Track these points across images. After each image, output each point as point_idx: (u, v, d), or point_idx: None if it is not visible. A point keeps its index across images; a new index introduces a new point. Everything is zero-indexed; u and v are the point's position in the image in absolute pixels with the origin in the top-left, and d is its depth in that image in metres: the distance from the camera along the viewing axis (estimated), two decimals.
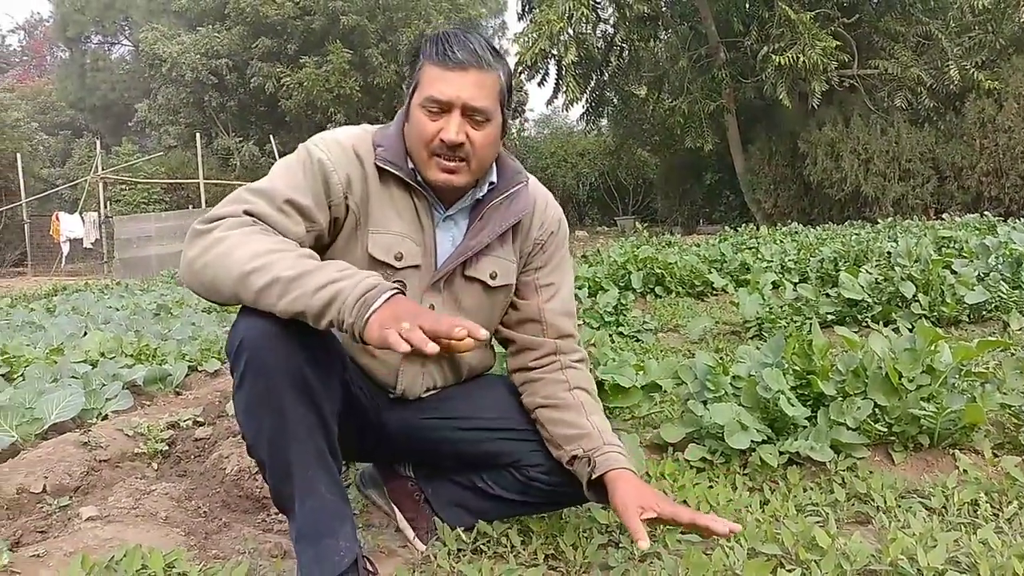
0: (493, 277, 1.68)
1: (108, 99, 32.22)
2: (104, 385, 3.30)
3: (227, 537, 1.98)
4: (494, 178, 1.67)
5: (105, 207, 20.06)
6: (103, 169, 20.45)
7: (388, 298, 1.27)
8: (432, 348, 1.19)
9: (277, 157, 21.71)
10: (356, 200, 1.55)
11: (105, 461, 2.54)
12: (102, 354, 4.05)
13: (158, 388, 3.60)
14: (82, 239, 19.15)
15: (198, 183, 20.20)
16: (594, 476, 1.58)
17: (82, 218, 19.24)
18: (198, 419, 3.00)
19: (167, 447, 2.71)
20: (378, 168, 1.57)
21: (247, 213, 1.42)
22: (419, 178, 1.59)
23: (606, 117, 23.89)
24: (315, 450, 1.44)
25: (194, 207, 20.74)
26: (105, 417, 3.04)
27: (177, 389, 3.64)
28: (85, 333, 4.96)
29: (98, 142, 21.54)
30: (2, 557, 1.68)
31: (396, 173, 1.57)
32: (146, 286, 10.69)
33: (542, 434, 1.72)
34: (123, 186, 23.17)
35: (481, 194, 1.66)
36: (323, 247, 1.58)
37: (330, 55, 23.97)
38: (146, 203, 23.43)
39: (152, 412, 3.15)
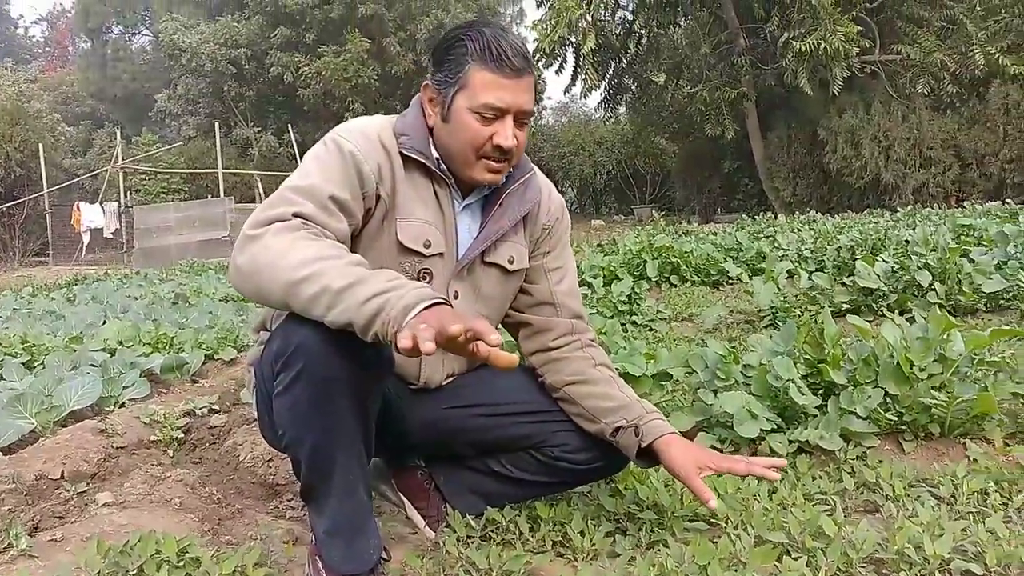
0: (511, 262, 1.71)
1: (129, 89, 32.46)
2: (122, 373, 3.35)
3: (240, 523, 2.01)
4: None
5: (125, 197, 20.27)
6: (123, 159, 20.62)
7: (428, 306, 1.25)
8: (430, 347, 1.16)
9: (295, 147, 21.97)
10: (387, 189, 1.56)
11: (122, 448, 2.58)
12: (120, 343, 4.11)
13: (175, 376, 3.65)
14: (102, 229, 19.37)
15: (217, 173, 20.33)
16: (643, 445, 1.65)
17: (102, 208, 19.45)
18: (213, 407, 3.04)
19: (183, 434, 2.74)
20: (402, 156, 1.58)
21: (295, 215, 1.43)
22: (443, 167, 1.61)
23: (624, 105, 23.80)
24: (357, 453, 1.49)
25: (213, 196, 20.88)
26: (122, 405, 3.08)
27: (194, 377, 3.69)
28: (104, 322, 5.03)
29: (119, 132, 21.70)
30: (21, 541, 1.72)
31: (422, 161, 1.59)
32: (165, 275, 10.80)
33: (572, 410, 1.76)
34: (143, 176, 23.37)
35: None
36: (353, 236, 1.59)
37: (348, 44, 24.02)
38: (165, 193, 23.63)
39: (168, 400, 3.19)
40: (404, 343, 1.19)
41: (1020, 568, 1.51)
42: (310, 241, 1.40)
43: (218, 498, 2.16)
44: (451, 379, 1.79)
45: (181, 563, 1.62)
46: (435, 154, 1.60)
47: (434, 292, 1.30)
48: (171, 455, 2.60)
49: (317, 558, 1.57)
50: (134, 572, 1.57)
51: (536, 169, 1.76)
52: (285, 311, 1.43)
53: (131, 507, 2.00)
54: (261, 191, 20.61)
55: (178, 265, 13.30)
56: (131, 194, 21.80)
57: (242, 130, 26.85)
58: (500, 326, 1.88)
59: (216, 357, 4.02)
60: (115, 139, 20.73)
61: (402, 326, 1.23)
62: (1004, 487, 1.90)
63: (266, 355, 1.52)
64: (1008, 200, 11.50)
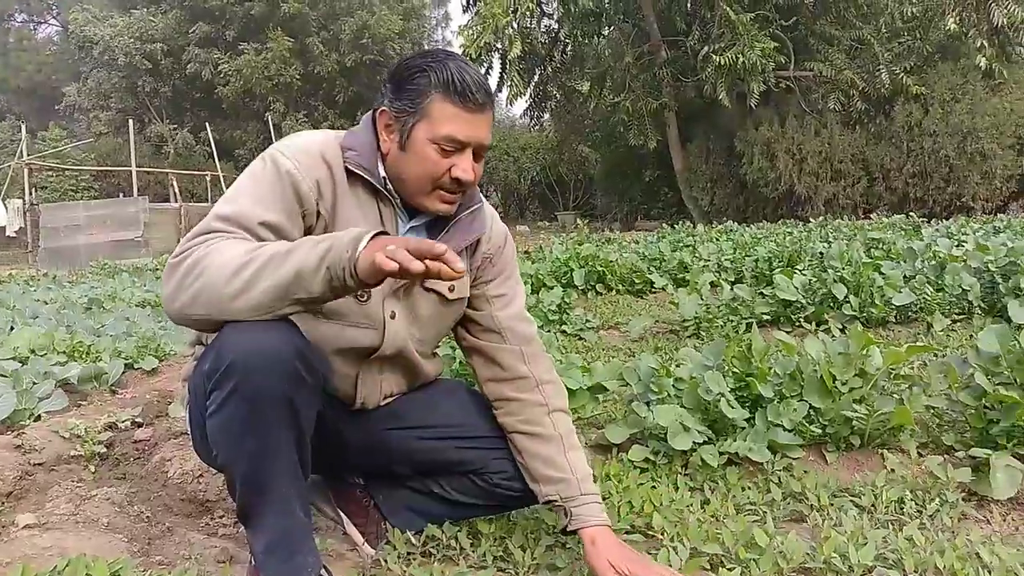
0: (451, 290, 1.70)
1: (34, 81, 31.04)
2: (35, 384, 3.20)
3: (171, 542, 1.96)
4: None
5: (30, 194, 19.32)
6: (28, 155, 19.68)
7: (375, 235, 1.31)
8: (417, 266, 1.22)
9: (213, 145, 21.38)
10: (326, 206, 1.54)
11: (39, 465, 2.47)
12: (32, 351, 3.92)
13: (93, 387, 3.50)
14: (5, 227, 18.42)
15: (130, 171, 19.59)
16: (568, 528, 1.66)
17: (5, 205, 18.50)
18: (137, 420, 2.94)
19: (105, 449, 2.64)
20: (347, 171, 1.56)
21: None
22: (389, 187, 1.59)
23: (549, 112, 24.02)
24: (292, 471, 1.46)
25: (125, 195, 20.13)
26: (38, 418, 2.95)
27: (113, 388, 3.55)
28: (12, 328, 4.79)
29: (23, 126, 20.69)
30: None
31: (367, 178, 1.57)
32: (75, 278, 10.35)
33: (516, 457, 1.76)
34: (50, 172, 22.36)
35: None
36: None
37: (270, 42, 23.55)
38: (74, 191, 22.67)
39: (88, 412, 3.07)
40: (382, 262, 1.22)
41: (936, 573, 1.60)
42: (241, 241, 1.40)
43: (147, 516, 2.10)
44: (388, 400, 1.78)
45: None
46: (382, 173, 1.59)
47: (363, 231, 1.33)
48: (93, 471, 2.50)
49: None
50: None
51: (484, 201, 1.75)
52: (232, 316, 1.38)
53: (55, 528, 1.93)
54: (176, 190, 19.99)
55: (89, 267, 12.75)
56: (37, 191, 20.80)
57: (157, 127, 26.00)
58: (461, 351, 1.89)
59: (136, 367, 3.88)
60: (19, 133, 19.75)
61: (356, 255, 1.28)
62: (919, 496, 2.01)
63: (198, 373, 1.49)
64: (911, 213, 12.09)
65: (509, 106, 23.95)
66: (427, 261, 1.24)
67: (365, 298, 1.60)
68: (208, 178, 21.74)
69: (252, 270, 1.33)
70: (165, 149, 25.89)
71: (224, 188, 21.20)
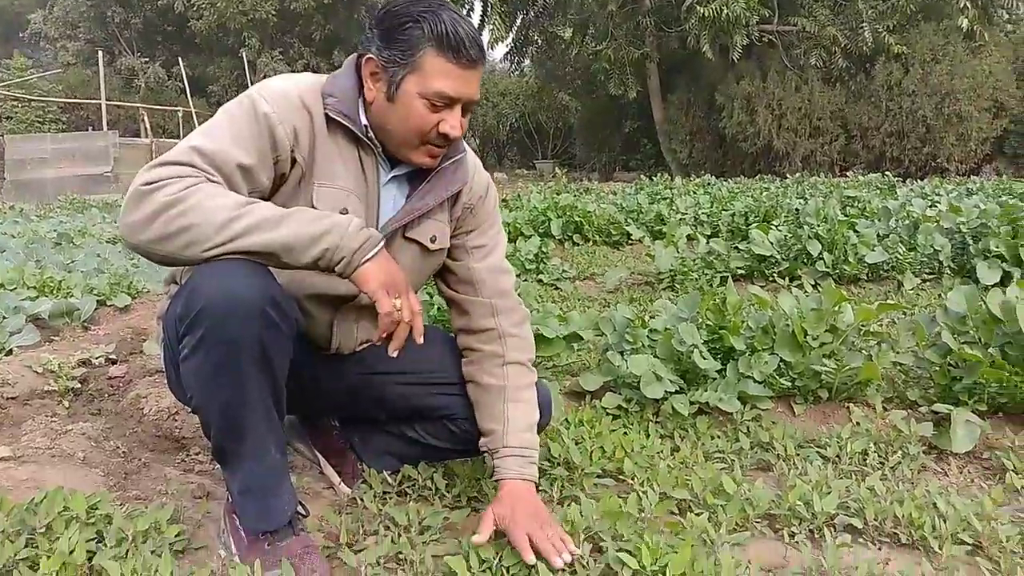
0: (432, 241, 1.68)
1: None
2: (5, 318, 3.17)
3: (147, 478, 1.97)
4: None
5: None
6: None
7: (380, 249, 1.42)
8: (403, 330, 1.44)
9: (185, 80, 20.87)
10: (303, 153, 1.50)
11: (13, 399, 2.46)
12: (1, 285, 3.87)
13: (65, 323, 3.47)
14: None
15: (99, 104, 19.11)
16: (494, 479, 1.66)
17: None
18: (111, 356, 2.93)
19: (79, 385, 2.63)
20: (327, 118, 1.53)
21: (208, 180, 1.37)
22: (370, 135, 1.57)
23: (530, 58, 23.70)
24: (267, 415, 1.46)
25: (94, 129, 19.65)
26: (10, 352, 2.92)
27: (85, 324, 3.52)
28: None
29: None
30: None
31: (347, 126, 1.53)
32: (43, 212, 10.16)
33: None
34: (15, 103, 21.73)
35: None
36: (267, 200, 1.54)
37: None
38: (40, 122, 22.07)
39: (61, 348, 3.05)
40: (383, 302, 1.39)
41: (894, 521, 1.66)
42: (221, 188, 1.38)
43: (123, 452, 2.11)
44: (364, 346, 1.77)
45: (92, 520, 1.59)
46: (364, 121, 1.55)
47: (377, 233, 1.43)
48: (67, 406, 2.49)
49: (234, 515, 1.56)
50: (41, 531, 1.52)
51: (468, 150, 1.72)
52: (189, 264, 1.38)
53: (31, 461, 1.93)
54: (147, 125, 19.55)
55: (57, 201, 12.51)
56: (2, 122, 20.25)
57: (128, 60, 25.31)
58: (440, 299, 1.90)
59: (109, 304, 3.84)
60: None
61: (363, 260, 1.39)
62: (881, 448, 2.08)
63: (170, 316, 1.48)
64: (887, 172, 12.19)
65: (490, 50, 23.59)
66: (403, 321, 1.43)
67: None
68: (180, 114, 21.27)
69: (242, 226, 1.32)
70: (136, 83, 25.26)
71: (197, 125, 20.79)
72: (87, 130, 20.01)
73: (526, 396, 1.73)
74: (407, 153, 1.56)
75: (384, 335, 1.44)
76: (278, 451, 1.53)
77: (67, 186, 15.08)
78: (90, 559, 1.46)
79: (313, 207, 1.50)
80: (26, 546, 1.48)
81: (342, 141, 1.55)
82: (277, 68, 23.81)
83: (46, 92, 22.72)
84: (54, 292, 3.86)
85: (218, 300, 1.33)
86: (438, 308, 2.71)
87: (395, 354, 1.45)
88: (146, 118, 19.65)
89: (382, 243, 1.42)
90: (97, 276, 4.31)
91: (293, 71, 24.73)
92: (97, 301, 3.74)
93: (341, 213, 1.51)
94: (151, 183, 1.33)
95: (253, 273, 1.36)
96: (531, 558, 1.44)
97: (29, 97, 21.60)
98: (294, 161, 1.50)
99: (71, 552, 1.44)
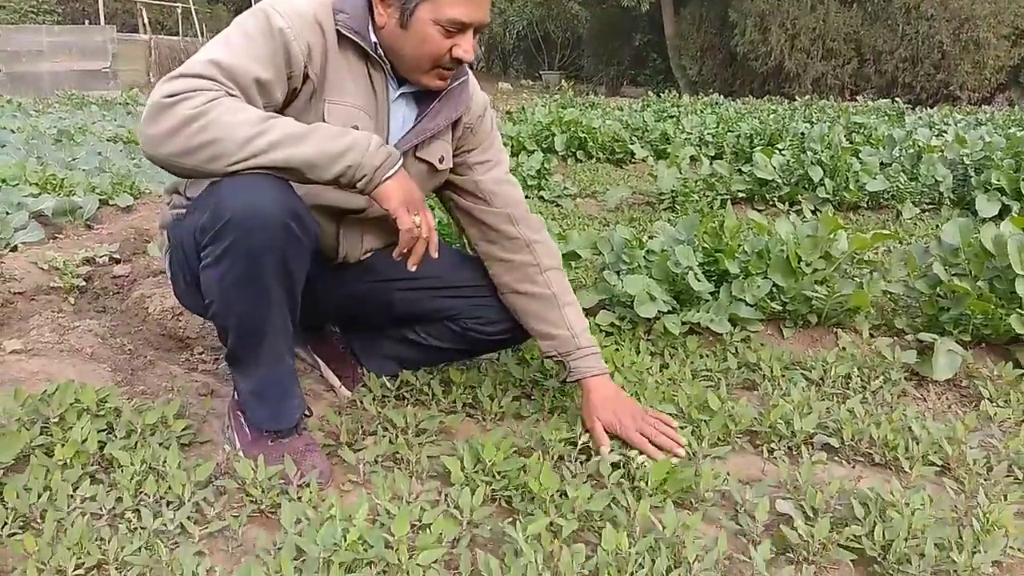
0: (440, 161, 1.71)
1: None
2: (8, 214, 3.19)
3: (153, 374, 2.04)
4: None
5: None
6: None
7: (400, 167, 1.45)
8: (420, 245, 1.48)
9: None
10: (315, 69, 1.51)
11: (20, 294, 2.52)
12: (3, 180, 3.87)
13: (68, 220, 3.50)
14: None
15: None
16: (569, 380, 1.75)
17: None
18: (115, 256, 2.97)
19: (84, 283, 2.69)
20: (338, 35, 1.53)
21: (227, 94, 1.38)
22: (380, 52, 1.57)
23: None
24: (284, 323, 1.52)
25: (91, 23, 19.13)
26: (15, 248, 2.96)
27: (88, 223, 3.55)
28: None
29: None
30: None
31: (358, 42, 1.54)
32: (41, 107, 10.02)
33: (516, 314, 1.82)
34: None
35: None
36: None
37: None
38: (34, 12, 21.44)
39: (65, 246, 3.09)
40: (403, 218, 1.44)
41: (869, 442, 1.74)
42: (241, 102, 1.38)
43: (129, 349, 2.17)
44: (368, 254, 1.82)
45: (102, 412, 1.66)
46: (373, 39, 1.56)
47: (396, 151, 1.46)
48: (73, 303, 2.55)
49: (239, 412, 1.63)
50: (55, 420, 1.59)
51: (470, 71, 1.74)
52: (210, 177, 1.41)
53: (40, 355, 1.99)
54: (146, 21, 19.05)
55: (55, 95, 12.32)
56: None
57: None
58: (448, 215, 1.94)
59: (111, 203, 3.85)
60: None
61: (384, 176, 1.43)
62: (865, 373, 2.14)
63: (189, 225, 1.49)
64: (897, 99, 12.01)
65: None
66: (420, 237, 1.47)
67: None
68: (179, 10, 20.71)
69: (265, 141, 1.34)
70: None
71: (196, 22, 20.26)
72: (83, 23, 19.47)
73: (573, 299, 1.82)
74: (418, 77, 1.58)
75: (405, 250, 1.48)
76: (290, 357, 1.60)
77: (64, 81, 14.81)
78: (101, 448, 1.54)
79: (324, 123, 1.51)
80: (41, 434, 1.55)
81: (352, 58, 1.57)
82: None
83: None
84: (56, 190, 3.88)
85: (244, 213, 1.37)
86: (439, 222, 2.73)
87: (414, 268, 1.50)
88: (144, 13, 19.13)
89: (401, 161, 1.46)
90: (99, 175, 4.31)
91: None
92: (99, 200, 3.75)
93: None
94: (173, 95, 1.34)
95: (277, 188, 1.40)
96: (660, 455, 1.59)
97: None
98: (306, 77, 1.51)
99: (83, 441, 1.51)
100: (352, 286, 1.81)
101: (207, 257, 1.43)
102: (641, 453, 1.60)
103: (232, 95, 1.38)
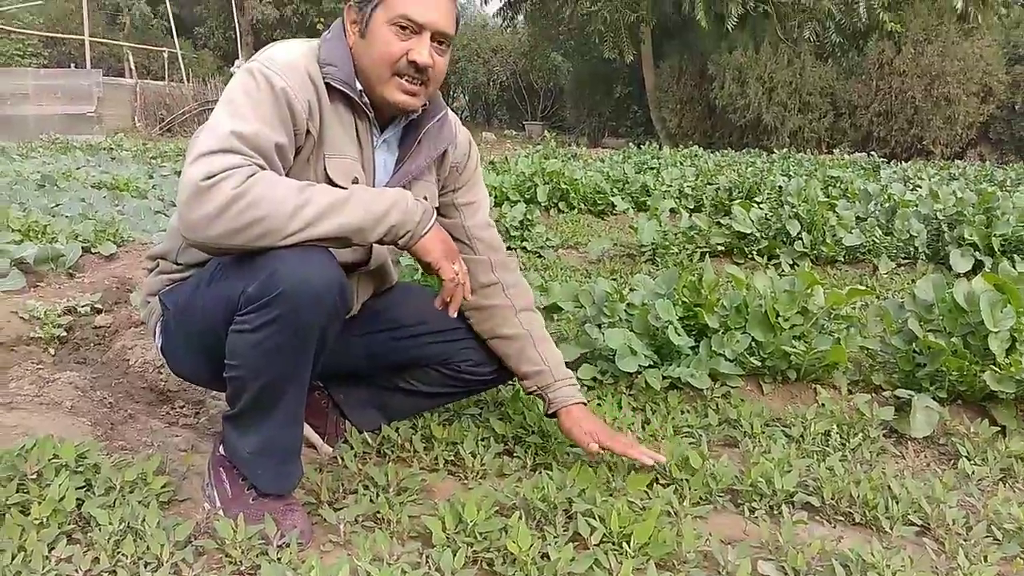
0: (425, 201, 1.73)
1: None
2: None
3: (133, 429, 2.03)
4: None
5: None
6: None
7: (435, 221, 1.56)
8: (460, 291, 1.59)
9: (172, 20, 20.40)
10: (315, 124, 1.54)
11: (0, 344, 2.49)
12: None
13: (50, 268, 3.46)
14: None
15: (83, 40, 18.71)
16: (548, 412, 1.86)
17: None
18: (96, 306, 2.95)
19: (65, 333, 2.66)
20: (328, 87, 1.56)
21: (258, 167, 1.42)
22: (365, 99, 1.60)
23: (523, 14, 23.37)
24: (304, 386, 1.54)
25: (77, 67, 19.25)
26: None
27: (71, 271, 3.51)
28: None
29: None
30: None
31: (348, 93, 1.57)
32: (25, 151, 10.01)
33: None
34: None
35: (414, 117, 1.69)
36: None
37: None
38: (21, 55, 21.54)
39: (46, 295, 3.06)
40: (445, 268, 1.55)
41: (849, 501, 1.75)
42: (276, 175, 1.43)
43: (110, 402, 2.16)
44: (359, 307, 1.84)
45: (81, 468, 1.64)
46: (359, 86, 1.59)
47: (429, 208, 1.56)
48: (53, 354, 2.53)
49: (220, 469, 1.62)
50: (32, 477, 1.57)
51: (447, 107, 1.77)
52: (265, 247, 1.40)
53: (19, 408, 1.98)
54: (132, 65, 19.19)
55: (39, 139, 12.31)
56: None
57: None
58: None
59: (94, 251, 3.83)
60: None
61: (424, 231, 1.52)
62: (844, 429, 2.16)
63: (223, 291, 1.47)
64: (872, 152, 12.28)
65: (483, 4, 23.24)
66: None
67: None
68: (166, 55, 20.88)
69: (311, 213, 1.39)
70: (120, 20, 24.71)
71: (182, 67, 20.40)
72: (70, 67, 19.59)
73: (547, 335, 1.91)
74: (383, 91, 1.58)
75: (448, 298, 1.57)
76: (301, 420, 1.61)
77: (49, 124, 14.82)
78: (79, 506, 1.52)
79: (328, 179, 1.56)
80: (17, 491, 1.53)
81: (342, 109, 1.60)
82: (265, 10, 23.33)
83: (26, 24, 22.14)
84: (39, 237, 3.85)
85: (298, 288, 1.38)
86: (421, 273, 2.75)
87: (454, 315, 1.62)
88: (131, 57, 19.28)
89: (433, 213, 1.55)
90: (82, 222, 4.29)
91: (281, 13, 24.26)
92: (82, 248, 3.73)
93: (353, 182, 1.59)
94: (210, 176, 1.36)
95: (326, 262, 1.43)
96: (646, 458, 1.74)
97: (9, 28, 21.05)
98: (308, 133, 1.54)
99: (61, 499, 1.49)
100: (346, 340, 1.81)
101: (245, 324, 1.43)
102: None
103: (262, 167, 1.41)
